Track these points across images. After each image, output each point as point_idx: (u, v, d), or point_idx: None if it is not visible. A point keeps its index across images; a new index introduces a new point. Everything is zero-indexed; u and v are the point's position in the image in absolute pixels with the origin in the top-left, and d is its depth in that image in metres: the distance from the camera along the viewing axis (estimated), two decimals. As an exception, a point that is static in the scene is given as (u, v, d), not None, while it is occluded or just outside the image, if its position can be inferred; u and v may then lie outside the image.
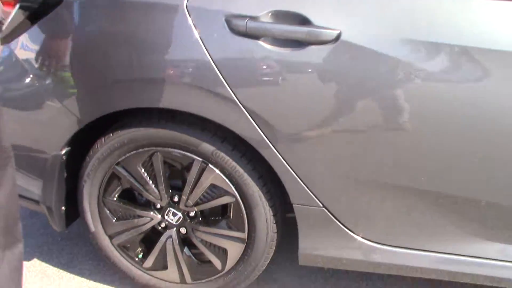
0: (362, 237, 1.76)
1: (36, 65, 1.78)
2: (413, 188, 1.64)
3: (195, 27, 1.59)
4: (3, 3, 1.77)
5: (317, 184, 1.69)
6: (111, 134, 1.81)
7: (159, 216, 1.91)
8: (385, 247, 1.76)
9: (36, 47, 1.78)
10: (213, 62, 1.59)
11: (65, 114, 1.78)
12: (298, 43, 1.54)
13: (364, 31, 1.51)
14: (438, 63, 1.49)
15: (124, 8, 1.66)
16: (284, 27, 1.55)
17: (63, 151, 1.85)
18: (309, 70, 1.56)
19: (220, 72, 1.59)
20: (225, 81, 1.60)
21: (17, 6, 1.76)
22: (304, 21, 1.53)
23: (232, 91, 1.61)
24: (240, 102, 1.61)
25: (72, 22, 1.75)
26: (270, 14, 1.56)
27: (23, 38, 1.78)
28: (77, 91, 1.77)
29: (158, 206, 1.90)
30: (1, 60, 1.84)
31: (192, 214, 1.89)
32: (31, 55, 1.79)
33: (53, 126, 1.83)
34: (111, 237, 1.98)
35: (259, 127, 1.64)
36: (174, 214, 1.89)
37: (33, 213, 2.58)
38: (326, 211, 1.73)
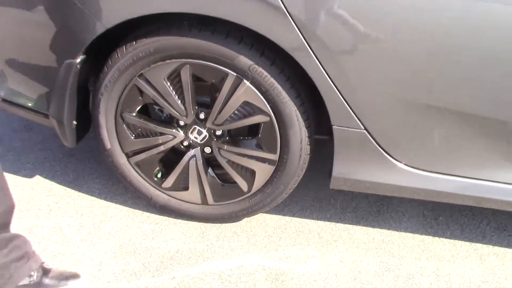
0: (399, 161, 1.69)
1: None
2: (456, 111, 1.55)
3: None
4: None
5: (361, 104, 1.58)
6: (134, 42, 1.63)
7: (183, 134, 1.78)
8: (421, 172, 1.70)
9: None
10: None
11: (84, 16, 1.58)
12: None
13: None
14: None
15: None
16: None
17: (78, 59, 1.66)
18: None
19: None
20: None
21: None
22: None
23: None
24: (285, 7, 1.45)
25: None
26: None
27: None
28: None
29: (182, 123, 1.77)
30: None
31: (218, 133, 1.77)
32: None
33: (68, 30, 1.63)
34: (128, 155, 1.85)
35: (304, 38, 1.49)
36: (200, 133, 1.76)
37: (28, 126, 2.40)
38: (367, 133, 1.63)
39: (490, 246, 1.94)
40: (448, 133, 1.61)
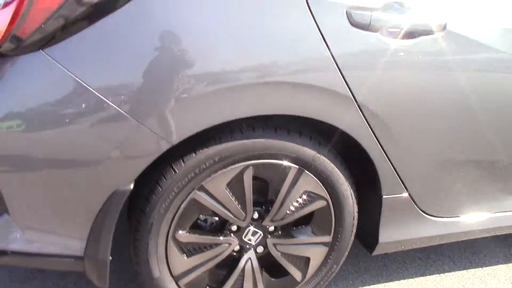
0: (432, 215, 1.87)
1: (98, 76, 1.34)
2: (482, 163, 1.82)
3: (315, 20, 1.44)
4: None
5: (408, 173, 1.73)
6: (194, 154, 1.50)
7: (237, 239, 1.67)
8: (448, 219, 1.91)
9: (99, 53, 1.33)
10: (333, 57, 1.47)
11: (145, 134, 1.39)
12: (411, 34, 1.54)
13: (468, 21, 1.61)
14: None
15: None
16: (400, 18, 1.53)
17: (131, 186, 1.45)
18: (421, 60, 1.58)
19: (339, 68, 1.48)
20: (344, 77, 1.50)
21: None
22: (414, 12, 1.54)
23: (348, 87, 1.51)
24: (355, 98, 1.53)
25: (154, 18, 1.36)
26: (384, 5, 1.51)
27: (75, 42, 1.32)
28: (164, 104, 1.39)
29: (235, 228, 1.66)
30: (36, 74, 1.32)
31: (271, 229, 1.71)
32: (91, 63, 1.33)
33: (122, 153, 1.41)
34: (178, 278, 1.65)
35: (368, 123, 1.58)
36: (254, 233, 1.68)
37: (32, 276, 1.93)
38: (409, 197, 1.78)
39: None
40: (472, 181, 1.86)
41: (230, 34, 1.38)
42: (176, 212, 1.55)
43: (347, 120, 1.56)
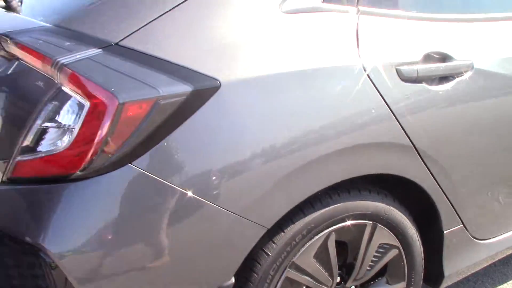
0: (479, 239, 1.97)
1: (191, 179, 1.31)
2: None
3: (372, 82, 1.52)
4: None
5: (461, 204, 1.82)
6: (282, 232, 1.49)
7: (325, 308, 1.67)
8: (492, 239, 2.02)
9: (187, 155, 1.31)
10: (393, 113, 1.55)
11: (243, 225, 1.38)
12: (447, 79, 1.66)
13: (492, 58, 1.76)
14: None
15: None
16: (438, 66, 1.64)
17: (233, 279, 1.42)
18: (460, 100, 1.69)
19: (399, 122, 1.56)
20: (404, 129, 1.58)
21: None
22: (445, 58, 1.67)
23: (409, 137, 1.59)
24: (414, 146, 1.61)
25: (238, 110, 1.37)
26: (424, 57, 1.62)
27: (162, 148, 1.29)
28: (259, 190, 1.39)
29: (321, 296, 1.66)
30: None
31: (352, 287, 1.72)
32: (181, 167, 1.31)
33: (224, 246, 1.38)
34: None
35: (427, 166, 1.67)
36: (338, 297, 1.69)
37: None
38: (464, 227, 1.87)
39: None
40: (509, 199, 1.99)
41: (315, 116, 1.43)
42: (271, 295, 1.53)
43: (411, 168, 1.64)
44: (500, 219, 2.00)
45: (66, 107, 1.31)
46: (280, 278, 1.52)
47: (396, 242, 1.72)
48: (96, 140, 1.25)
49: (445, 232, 1.82)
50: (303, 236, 1.51)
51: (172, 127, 1.30)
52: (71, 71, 1.28)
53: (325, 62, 1.47)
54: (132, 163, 1.27)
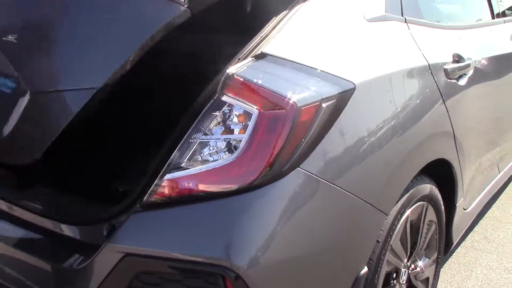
0: (465, 209, 2.36)
1: (349, 180, 1.40)
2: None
3: (435, 80, 1.77)
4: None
5: (467, 180, 2.18)
6: (385, 219, 1.64)
7: (398, 284, 1.85)
8: (470, 209, 2.42)
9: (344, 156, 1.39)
10: (445, 105, 1.82)
11: (376, 215, 1.50)
12: (464, 75, 1.99)
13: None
14: None
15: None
16: (460, 65, 1.96)
17: (363, 270, 1.53)
18: (473, 91, 2.05)
19: (448, 113, 1.84)
20: (450, 119, 1.86)
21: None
22: (460, 59, 2.00)
23: (452, 125, 1.88)
24: (454, 132, 1.91)
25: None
26: (452, 58, 1.93)
27: (322, 150, 1.35)
28: (386, 183, 1.52)
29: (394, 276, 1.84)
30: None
31: (410, 264, 1.94)
32: (340, 167, 1.38)
33: (365, 235, 1.49)
34: None
35: (457, 150, 1.97)
36: (404, 273, 1.88)
37: None
38: (464, 200, 2.23)
39: None
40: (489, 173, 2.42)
41: (412, 111, 1.63)
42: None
43: (449, 151, 1.92)
44: (477, 191, 2.42)
45: (228, 117, 1.28)
46: (384, 261, 1.67)
47: (435, 218, 1.99)
48: (273, 147, 1.26)
49: (456, 205, 2.16)
50: (397, 221, 1.68)
51: (327, 128, 1.36)
52: (241, 80, 1.26)
53: (410, 63, 1.67)
54: (300, 166, 1.31)
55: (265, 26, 1.47)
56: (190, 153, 1.28)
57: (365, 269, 1.53)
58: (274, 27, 1.46)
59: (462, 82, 1.96)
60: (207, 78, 1.46)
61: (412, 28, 1.82)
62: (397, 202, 1.65)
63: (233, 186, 1.26)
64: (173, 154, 1.29)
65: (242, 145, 1.26)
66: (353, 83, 1.43)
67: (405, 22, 1.81)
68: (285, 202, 1.29)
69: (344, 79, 1.42)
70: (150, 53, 1.55)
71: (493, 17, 2.52)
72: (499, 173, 2.70)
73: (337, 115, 1.38)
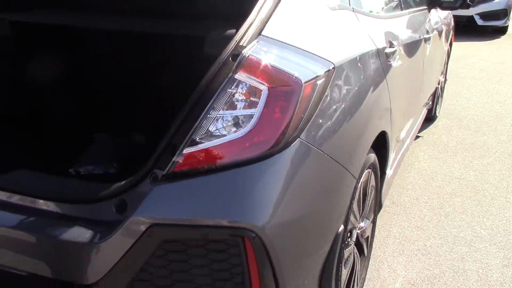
0: (386, 173, 2.70)
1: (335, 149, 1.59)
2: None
3: (381, 62, 2.03)
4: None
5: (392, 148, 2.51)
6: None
7: (352, 241, 2.10)
8: (387, 172, 2.78)
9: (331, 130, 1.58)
10: (387, 83, 2.10)
11: (348, 176, 1.73)
12: (392, 57, 2.30)
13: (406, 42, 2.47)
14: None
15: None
16: (392, 49, 2.26)
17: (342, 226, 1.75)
18: (399, 70, 2.36)
19: (388, 89, 2.13)
20: (390, 97, 2.15)
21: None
22: (392, 44, 2.30)
23: (390, 101, 2.18)
24: (391, 108, 2.20)
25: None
26: (387, 43, 2.22)
27: (318, 123, 1.53)
28: (355, 148, 1.74)
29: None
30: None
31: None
32: (329, 140, 1.57)
33: (340, 195, 1.70)
34: None
35: (391, 122, 2.28)
36: (354, 233, 2.14)
37: None
38: (390, 167, 2.56)
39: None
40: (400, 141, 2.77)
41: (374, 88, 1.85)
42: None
43: (387, 124, 2.21)
44: (396, 159, 2.78)
45: (241, 94, 1.40)
46: (349, 221, 1.90)
47: (374, 184, 2.28)
48: (283, 120, 1.41)
49: (386, 172, 2.47)
50: (358, 185, 1.92)
51: (317, 103, 1.54)
52: (255, 59, 1.39)
53: (367, 46, 1.91)
54: (300, 137, 1.48)
55: (251, 13, 1.60)
56: (208, 127, 1.39)
57: (342, 227, 1.75)
58: (258, 13, 1.59)
59: (394, 63, 2.26)
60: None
61: (359, 17, 2.06)
62: (360, 168, 1.89)
63: (249, 156, 1.39)
64: (192, 128, 1.38)
65: (255, 118, 1.39)
66: (333, 63, 1.62)
67: (353, 11, 2.04)
68: (290, 169, 1.45)
69: (327, 59, 1.61)
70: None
71: (401, 9, 2.87)
72: (408, 141, 3.10)
73: (324, 91, 1.57)
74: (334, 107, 1.63)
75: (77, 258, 1.39)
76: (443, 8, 3.76)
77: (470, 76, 6.72)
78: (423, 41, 3.05)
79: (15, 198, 1.50)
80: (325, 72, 1.57)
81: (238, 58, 1.40)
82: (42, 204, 1.51)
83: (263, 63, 1.41)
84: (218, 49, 1.65)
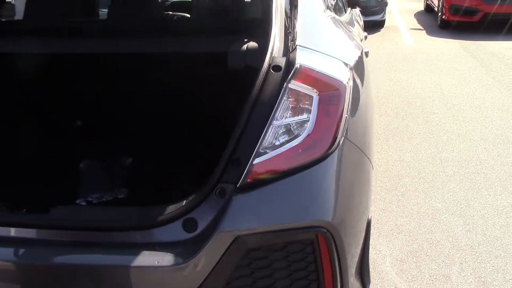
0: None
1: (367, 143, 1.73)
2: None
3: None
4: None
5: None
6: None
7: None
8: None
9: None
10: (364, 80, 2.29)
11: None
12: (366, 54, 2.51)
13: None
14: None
15: None
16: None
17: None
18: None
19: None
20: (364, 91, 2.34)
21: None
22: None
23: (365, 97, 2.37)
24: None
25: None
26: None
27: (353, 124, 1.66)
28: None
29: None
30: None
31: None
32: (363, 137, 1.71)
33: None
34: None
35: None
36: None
37: None
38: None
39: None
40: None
41: None
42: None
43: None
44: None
45: (296, 102, 1.50)
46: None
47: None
48: (335, 122, 1.53)
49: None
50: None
51: (348, 103, 1.68)
52: (307, 69, 1.49)
53: (359, 46, 2.08)
54: (346, 136, 1.60)
55: (271, 26, 1.69)
56: (271, 137, 1.46)
57: (370, 214, 1.89)
58: (276, 26, 1.69)
59: (365, 59, 2.46)
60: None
61: (336, 19, 2.22)
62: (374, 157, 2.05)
63: (310, 159, 1.48)
64: (260, 140, 1.44)
65: (311, 124, 1.49)
66: (350, 64, 1.77)
67: (332, 10, 2.21)
68: (343, 167, 1.57)
69: (345, 62, 1.75)
70: None
71: (345, 11, 3.10)
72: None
73: (349, 91, 1.70)
74: (355, 103, 1.77)
75: (167, 281, 1.39)
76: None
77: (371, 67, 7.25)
78: (363, 39, 3.31)
79: (84, 236, 1.46)
80: (349, 73, 1.70)
81: (294, 69, 1.48)
82: (109, 235, 1.48)
83: (312, 71, 1.51)
84: (241, 62, 1.73)
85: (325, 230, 1.47)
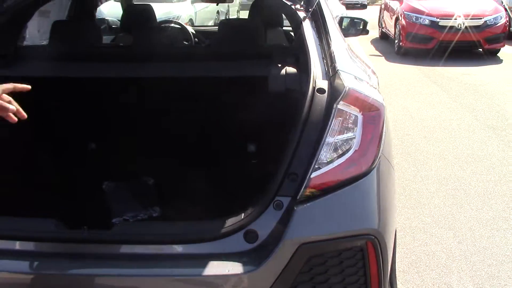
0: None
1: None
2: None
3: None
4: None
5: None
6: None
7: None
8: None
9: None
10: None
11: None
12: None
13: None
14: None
15: None
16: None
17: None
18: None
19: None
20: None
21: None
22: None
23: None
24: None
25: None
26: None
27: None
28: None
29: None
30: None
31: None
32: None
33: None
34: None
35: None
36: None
37: None
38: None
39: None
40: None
41: None
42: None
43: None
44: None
45: (344, 121, 1.65)
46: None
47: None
48: (376, 139, 1.69)
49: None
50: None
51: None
52: (355, 91, 1.65)
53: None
54: (381, 152, 1.76)
55: (307, 52, 1.86)
56: (325, 152, 1.60)
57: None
58: (313, 51, 1.86)
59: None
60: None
61: (349, 46, 2.41)
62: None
63: (358, 173, 1.63)
64: (315, 156, 1.58)
65: (357, 141, 1.65)
66: (373, 84, 1.95)
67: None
68: (381, 179, 1.73)
69: (375, 86, 1.93)
70: None
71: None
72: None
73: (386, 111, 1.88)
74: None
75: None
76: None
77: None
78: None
79: (156, 249, 1.55)
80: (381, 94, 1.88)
81: (344, 91, 1.64)
82: (170, 248, 1.57)
83: (358, 93, 1.68)
84: (281, 86, 1.88)
85: (373, 237, 1.61)
